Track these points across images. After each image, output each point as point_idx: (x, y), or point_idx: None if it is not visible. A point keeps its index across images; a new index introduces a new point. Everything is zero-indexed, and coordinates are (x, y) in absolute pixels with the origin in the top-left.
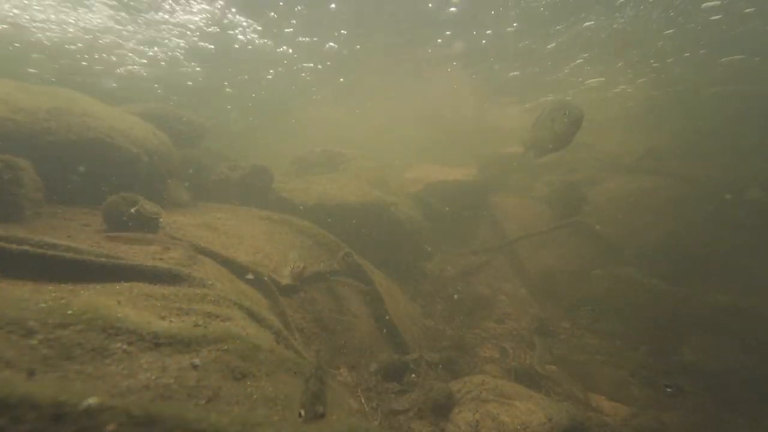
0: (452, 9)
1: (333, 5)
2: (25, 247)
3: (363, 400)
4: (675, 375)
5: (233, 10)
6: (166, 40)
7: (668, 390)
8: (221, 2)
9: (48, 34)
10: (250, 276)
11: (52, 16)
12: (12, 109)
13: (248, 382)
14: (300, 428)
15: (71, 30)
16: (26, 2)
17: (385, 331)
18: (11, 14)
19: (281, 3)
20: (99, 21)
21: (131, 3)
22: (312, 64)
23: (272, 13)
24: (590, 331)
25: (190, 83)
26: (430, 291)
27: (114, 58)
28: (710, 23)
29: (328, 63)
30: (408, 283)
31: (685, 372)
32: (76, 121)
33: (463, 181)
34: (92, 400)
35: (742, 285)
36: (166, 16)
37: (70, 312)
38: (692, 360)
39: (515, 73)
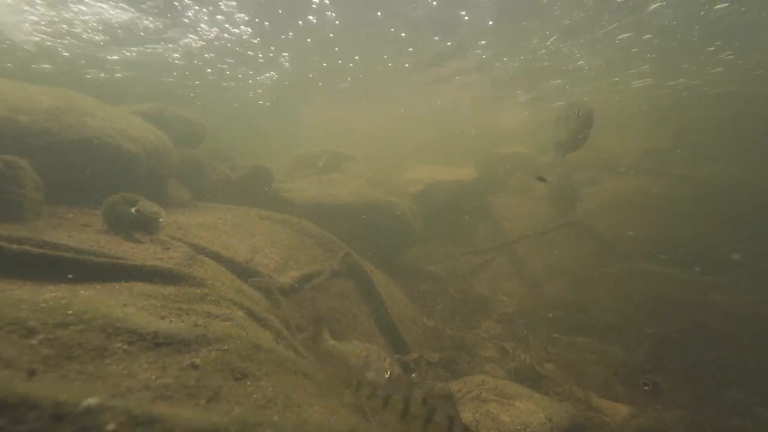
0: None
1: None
2: (26, 247)
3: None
4: (652, 373)
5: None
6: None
7: (646, 387)
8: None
9: None
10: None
11: None
12: (12, 109)
13: (248, 382)
14: (300, 428)
15: None
16: None
17: (385, 331)
18: None
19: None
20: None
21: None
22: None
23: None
24: (584, 330)
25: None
26: (430, 291)
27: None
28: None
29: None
30: (408, 283)
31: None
32: (76, 121)
33: (463, 181)
34: (92, 400)
35: (741, 285)
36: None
37: (70, 312)
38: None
39: (528, 95)
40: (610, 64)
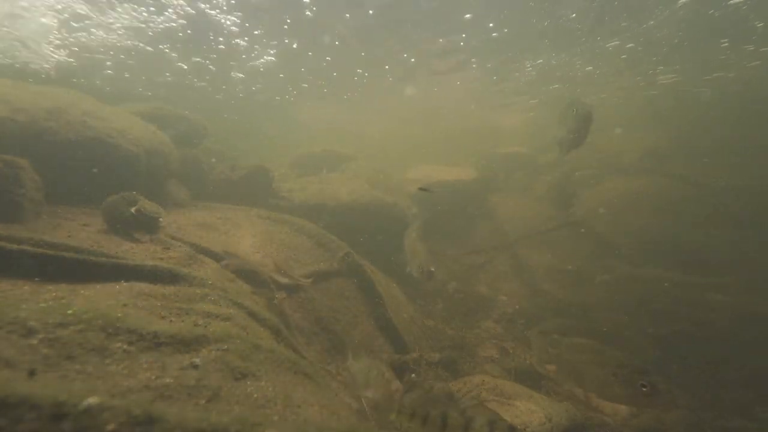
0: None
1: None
2: (25, 247)
3: (363, 400)
4: (651, 374)
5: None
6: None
7: (644, 388)
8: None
9: None
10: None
11: None
12: (12, 109)
13: (248, 382)
14: (300, 428)
15: None
16: None
17: (385, 331)
18: None
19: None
20: None
21: None
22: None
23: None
24: (584, 330)
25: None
26: (430, 291)
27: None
28: None
29: (328, 58)
30: (408, 283)
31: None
32: (76, 121)
33: (463, 181)
34: (92, 400)
35: (741, 285)
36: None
37: (70, 312)
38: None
39: (534, 101)
40: (633, 61)
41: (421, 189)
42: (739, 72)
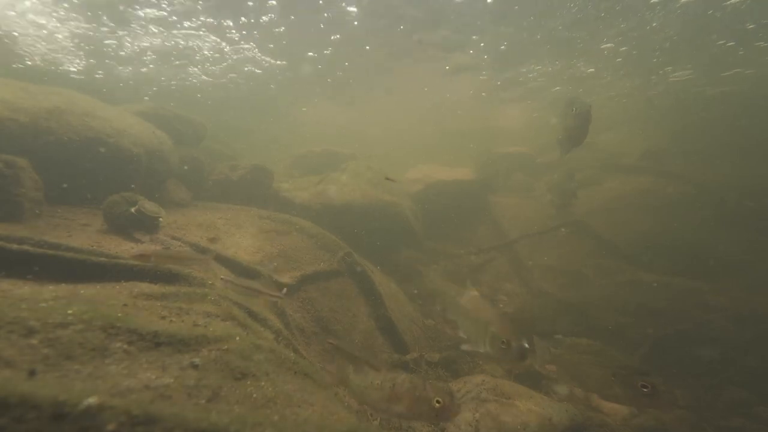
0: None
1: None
2: (26, 247)
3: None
4: (651, 375)
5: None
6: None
7: (644, 390)
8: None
9: None
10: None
11: None
12: (12, 109)
13: (248, 382)
14: (300, 428)
15: None
16: None
17: (385, 331)
18: None
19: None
20: None
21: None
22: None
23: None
24: (584, 330)
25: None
26: (430, 291)
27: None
28: None
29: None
30: (408, 283)
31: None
32: (76, 121)
33: (463, 181)
34: (92, 400)
35: (741, 285)
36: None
37: (70, 312)
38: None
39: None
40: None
41: (388, 179)
42: (758, 68)
